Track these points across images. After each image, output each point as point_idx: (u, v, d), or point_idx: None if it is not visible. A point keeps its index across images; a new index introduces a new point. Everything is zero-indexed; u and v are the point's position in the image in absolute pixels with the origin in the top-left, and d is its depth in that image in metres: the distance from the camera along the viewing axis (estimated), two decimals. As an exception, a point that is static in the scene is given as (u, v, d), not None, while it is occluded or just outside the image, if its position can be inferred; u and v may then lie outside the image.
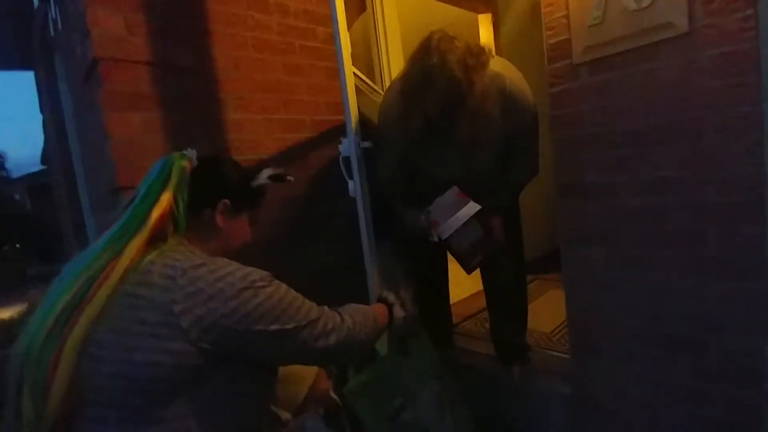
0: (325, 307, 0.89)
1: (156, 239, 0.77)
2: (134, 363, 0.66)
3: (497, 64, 1.38)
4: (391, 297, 1.16)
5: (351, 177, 1.42)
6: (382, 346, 1.39)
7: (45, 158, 5.84)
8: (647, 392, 1.32)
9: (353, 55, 1.52)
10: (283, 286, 0.81)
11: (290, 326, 0.78)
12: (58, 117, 3.00)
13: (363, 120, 1.49)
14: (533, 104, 1.42)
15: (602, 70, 1.28)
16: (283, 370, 1.30)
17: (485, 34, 2.93)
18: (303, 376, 1.27)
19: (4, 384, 0.67)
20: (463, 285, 2.62)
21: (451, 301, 2.00)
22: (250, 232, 0.96)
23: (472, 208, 1.40)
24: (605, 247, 1.35)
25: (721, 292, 1.17)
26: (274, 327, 0.75)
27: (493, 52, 1.36)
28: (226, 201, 0.87)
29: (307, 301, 0.84)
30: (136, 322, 0.68)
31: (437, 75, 1.21)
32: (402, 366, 1.35)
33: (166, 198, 0.79)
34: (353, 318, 0.92)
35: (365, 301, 1.49)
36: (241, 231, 0.93)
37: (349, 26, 1.77)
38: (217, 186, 0.89)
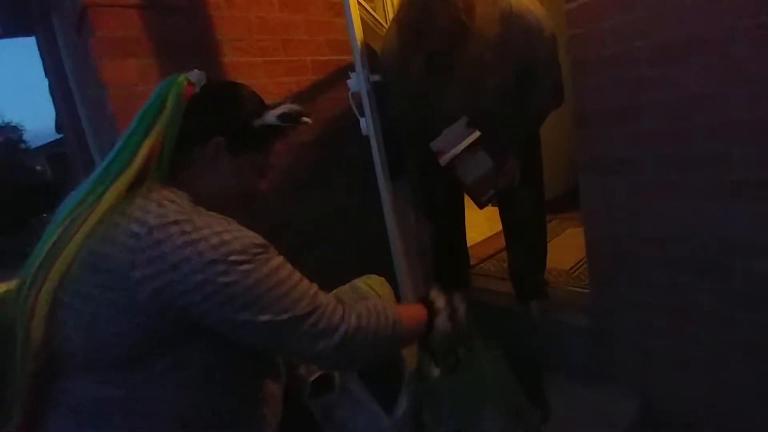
0: (326, 299, 0.70)
1: (144, 179, 0.66)
2: (97, 332, 0.61)
3: None
4: (440, 301, 0.89)
5: (362, 114, 1.36)
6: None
7: (59, 125, 5.85)
8: (670, 321, 1.30)
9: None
10: (271, 264, 0.65)
11: (263, 318, 0.63)
12: (63, 79, 2.97)
13: (371, 54, 1.42)
14: (546, 26, 1.30)
15: (623, -20, 1.17)
16: None
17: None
18: None
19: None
20: (480, 228, 2.60)
21: (468, 244, 1.98)
22: (254, 179, 0.79)
23: (473, 135, 1.36)
24: (628, 174, 1.29)
25: (748, 214, 1.13)
26: (242, 317, 0.62)
27: None
28: (220, 138, 0.72)
29: (300, 287, 0.67)
30: (97, 287, 0.60)
31: (435, 5, 1.15)
32: (452, 386, 1.09)
33: (158, 130, 0.68)
34: (359, 320, 0.71)
35: (381, 242, 1.47)
36: (239, 177, 0.76)
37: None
38: (210, 119, 0.73)
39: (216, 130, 0.73)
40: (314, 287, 0.70)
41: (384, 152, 1.38)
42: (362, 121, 1.35)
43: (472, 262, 2.10)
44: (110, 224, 0.62)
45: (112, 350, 0.62)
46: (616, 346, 1.42)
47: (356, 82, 1.32)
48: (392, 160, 1.43)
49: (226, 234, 0.63)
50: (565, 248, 2.14)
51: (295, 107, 0.79)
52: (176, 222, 0.62)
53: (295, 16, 1.66)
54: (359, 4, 1.44)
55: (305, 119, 0.82)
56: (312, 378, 0.98)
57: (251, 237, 0.65)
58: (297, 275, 0.69)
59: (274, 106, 0.79)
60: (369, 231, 1.54)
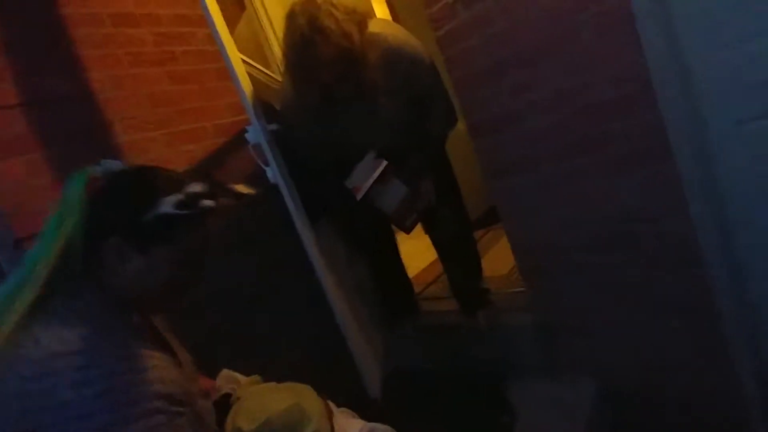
0: None
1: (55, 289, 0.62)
2: None
3: (376, 26, 1.37)
4: None
5: (266, 164, 1.37)
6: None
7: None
8: (600, 299, 1.35)
9: (245, 52, 1.48)
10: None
11: None
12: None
13: (267, 106, 1.45)
14: (422, 52, 1.42)
15: (477, 1, 1.29)
16: None
17: (380, 10, 2.95)
18: None
19: None
20: (422, 256, 2.62)
21: (413, 273, 1.99)
22: (175, 273, 0.69)
23: (382, 165, 1.42)
24: (525, 173, 1.37)
25: (637, 183, 1.21)
26: None
27: (372, 16, 1.37)
28: (115, 239, 0.65)
29: None
30: None
31: (314, 37, 1.19)
32: None
33: (63, 236, 0.63)
34: None
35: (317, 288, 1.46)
36: (156, 274, 0.68)
37: (232, 27, 1.71)
38: (100, 218, 0.66)
39: (108, 230, 0.65)
40: None
41: (297, 198, 1.39)
42: (268, 171, 1.37)
43: (418, 289, 2.10)
44: (12, 345, 0.58)
45: None
46: (561, 336, 1.45)
47: (254, 134, 1.34)
48: (311, 202, 1.44)
49: (94, 369, 0.57)
50: (502, 255, 2.18)
51: (195, 189, 0.68)
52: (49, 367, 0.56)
53: (188, 87, 1.68)
54: (250, 63, 1.49)
55: (207, 203, 0.69)
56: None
57: (111, 382, 0.57)
58: None
59: (174, 192, 0.67)
60: (311, 280, 1.52)
